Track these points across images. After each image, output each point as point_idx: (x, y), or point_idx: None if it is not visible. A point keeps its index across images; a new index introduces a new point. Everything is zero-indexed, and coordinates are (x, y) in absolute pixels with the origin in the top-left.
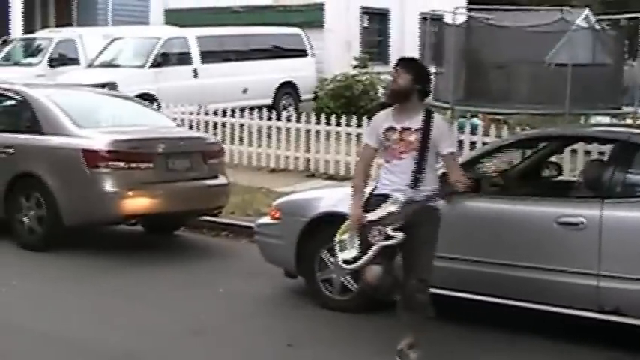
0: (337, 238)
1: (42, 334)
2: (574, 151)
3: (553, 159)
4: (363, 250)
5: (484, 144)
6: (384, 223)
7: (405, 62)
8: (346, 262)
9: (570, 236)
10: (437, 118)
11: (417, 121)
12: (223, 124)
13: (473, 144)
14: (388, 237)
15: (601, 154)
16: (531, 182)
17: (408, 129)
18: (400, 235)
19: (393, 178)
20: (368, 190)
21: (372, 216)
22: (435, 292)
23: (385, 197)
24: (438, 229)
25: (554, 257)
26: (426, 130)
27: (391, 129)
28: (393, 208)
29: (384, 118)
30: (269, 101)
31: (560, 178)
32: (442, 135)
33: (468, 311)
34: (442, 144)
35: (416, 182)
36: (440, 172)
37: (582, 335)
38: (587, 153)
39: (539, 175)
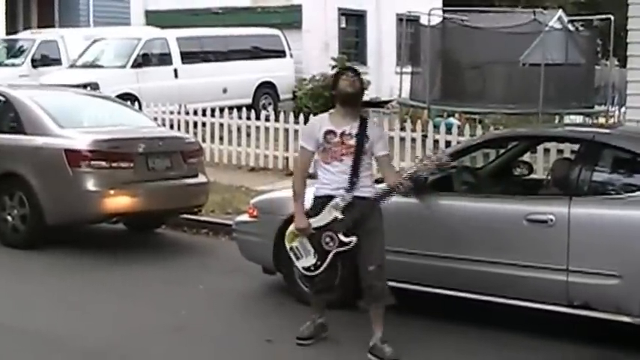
0: (287, 244)
1: (23, 331)
2: (547, 150)
3: (525, 158)
4: (321, 258)
5: (458, 143)
6: (332, 229)
7: (355, 71)
8: (307, 269)
9: (540, 233)
10: (370, 124)
11: (355, 127)
12: (203, 124)
13: (448, 143)
14: (342, 243)
15: (574, 152)
16: (502, 180)
17: (349, 134)
18: (354, 239)
19: (334, 178)
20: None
21: (316, 222)
22: (409, 289)
23: (327, 198)
24: (382, 219)
25: (525, 253)
26: (362, 135)
27: (331, 132)
28: (337, 214)
29: (320, 122)
30: (248, 101)
31: (531, 176)
32: (377, 139)
33: (440, 307)
34: (376, 147)
35: (352, 185)
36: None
37: (555, 331)
38: (560, 152)
39: (510, 173)
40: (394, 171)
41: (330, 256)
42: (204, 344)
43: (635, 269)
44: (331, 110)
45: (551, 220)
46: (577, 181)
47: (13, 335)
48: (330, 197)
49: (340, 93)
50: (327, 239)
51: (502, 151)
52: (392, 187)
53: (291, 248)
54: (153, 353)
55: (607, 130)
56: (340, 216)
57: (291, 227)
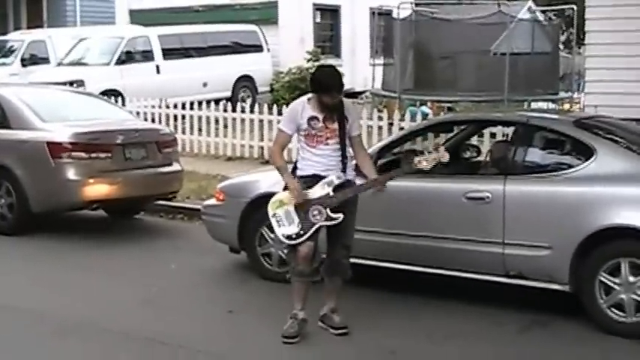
0: (271, 211)
1: (4, 307)
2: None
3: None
4: (305, 229)
5: None
6: (323, 203)
7: (340, 83)
8: (288, 237)
9: (477, 209)
10: (347, 103)
11: (334, 109)
12: (183, 117)
13: None
14: (329, 218)
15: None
16: (447, 162)
17: (330, 117)
18: (341, 216)
19: (322, 160)
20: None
21: (311, 194)
22: (358, 262)
23: (315, 177)
24: (357, 203)
25: (465, 228)
26: (342, 117)
27: (314, 118)
28: (329, 190)
29: (301, 107)
30: (228, 94)
31: (471, 157)
32: (353, 118)
33: (387, 280)
34: (352, 127)
35: (344, 166)
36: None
37: (492, 299)
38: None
39: (454, 156)
40: (365, 152)
41: (315, 228)
42: (171, 314)
43: (565, 241)
44: (309, 95)
45: (488, 197)
46: (512, 161)
47: None
48: (318, 177)
49: (324, 103)
50: (315, 212)
51: (450, 135)
52: (371, 184)
53: (274, 215)
54: (124, 323)
55: (539, 114)
56: (332, 193)
57: (278, 195)
